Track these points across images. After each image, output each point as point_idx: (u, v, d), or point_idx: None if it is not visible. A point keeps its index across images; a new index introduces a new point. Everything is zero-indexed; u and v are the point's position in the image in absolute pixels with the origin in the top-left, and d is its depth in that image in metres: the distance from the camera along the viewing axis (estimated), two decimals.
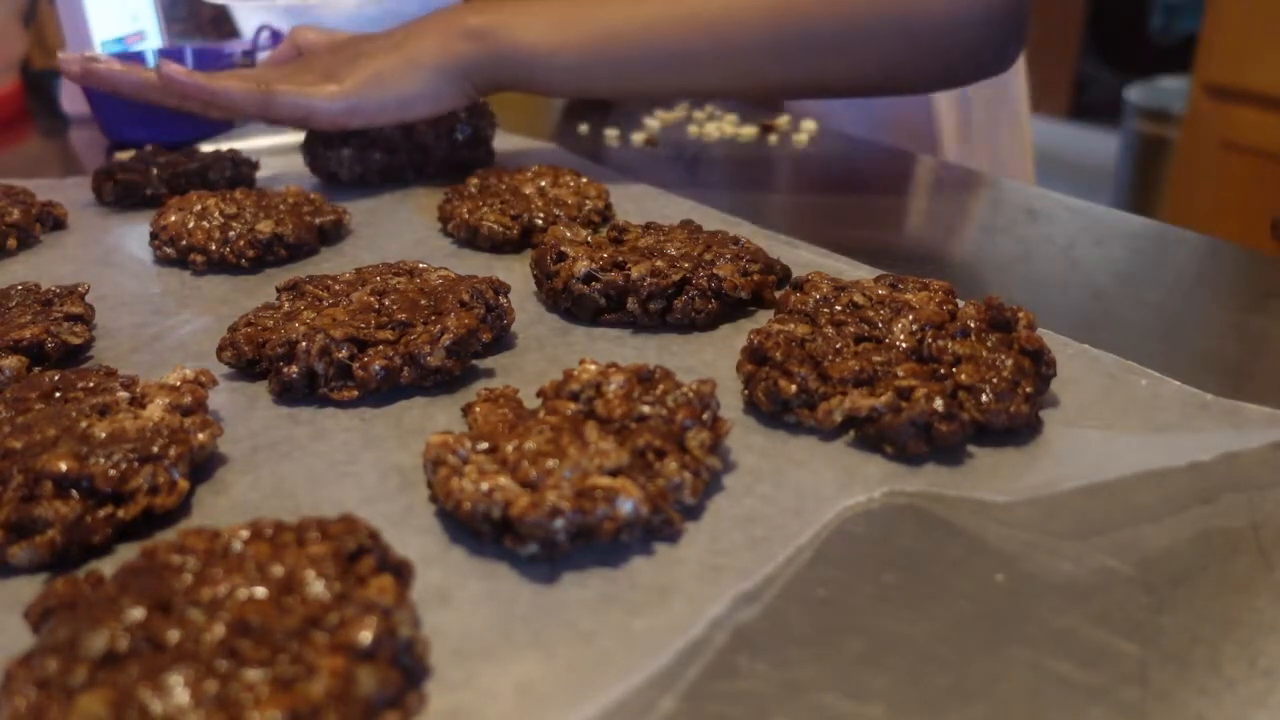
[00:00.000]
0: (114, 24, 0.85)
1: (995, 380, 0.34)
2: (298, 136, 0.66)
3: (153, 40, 0.91)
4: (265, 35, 0.90)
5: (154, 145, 0.65)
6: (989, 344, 0.36)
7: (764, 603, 0.27)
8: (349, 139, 0.63)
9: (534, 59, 0.60)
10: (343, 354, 0.37)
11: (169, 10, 0.92)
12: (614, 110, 0.85)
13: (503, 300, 0.42)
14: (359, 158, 0.63)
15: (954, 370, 0.35)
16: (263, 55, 0.89)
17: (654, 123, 0.79)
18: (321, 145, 0.64)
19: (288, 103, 0.58)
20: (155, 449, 0.31)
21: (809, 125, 0.77)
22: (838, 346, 0.37)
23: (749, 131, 0.77)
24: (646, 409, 0.33)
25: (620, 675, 0.25)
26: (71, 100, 0.82)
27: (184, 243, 0.51)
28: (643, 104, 0.85)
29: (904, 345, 0.37)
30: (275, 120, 0.60)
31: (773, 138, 0.76)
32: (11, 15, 0.87)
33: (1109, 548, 0.29)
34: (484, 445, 0.31)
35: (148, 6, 0.90)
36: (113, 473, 0.30)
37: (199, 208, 0.53)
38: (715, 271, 0.44)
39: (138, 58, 0.78)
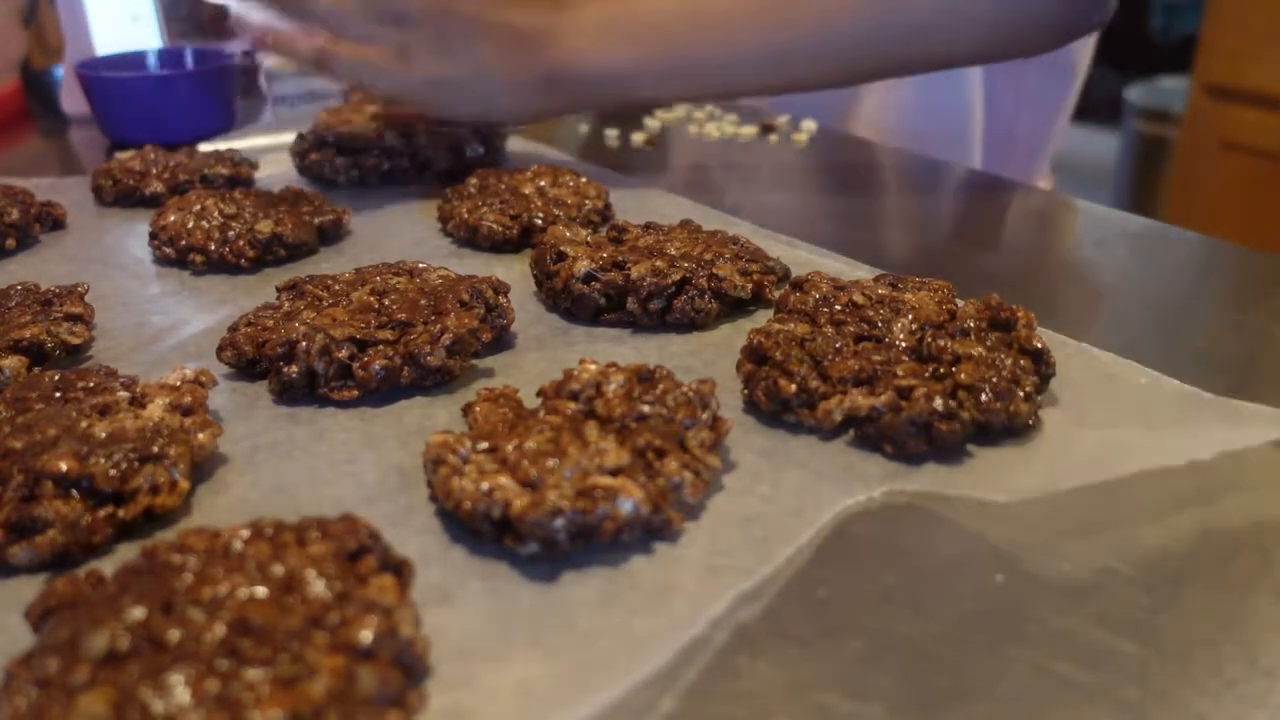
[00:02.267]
0: (114, 24, 0.85)
1: (995, 380, 0.34)
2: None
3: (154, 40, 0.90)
4: None
5: (154, 145, 0.65)
6: (989, 343, 0.36)
7: (764, 603, 0.27)
8: (342, 147, 0.63)
9: (615, 83, 0.59)
10: (343, 354, 0.37)
11: (169, 10, 0.91)
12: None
13: (503, 300, 0.42)
14: (353, 163, 0.63)
15: (954, 370, 0.35)
16: (263, 55, 0.89)
17: (654, 123, 0.79)
18: (313, 151, 0.64)
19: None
20: (155, 449, 0.31)
21: (809, 125, 0.77)
22: (838, 346, 0.37)
23: (749, 131, 0.77)
24: (646, 409, 0.33)
25: (620, 675, 0.25)
26: (71, 100, 0.82)
27: (183, 243, 0.51)
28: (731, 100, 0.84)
29: (904, 345, 0.37)
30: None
31: (773, 138, 0.76)
32: (11, 15, 0.87)
33: (1109, 548, 0.29)
34: (484, 445, 0.31)
35: (148, 6, 0.90)
36: (113, 473, 0.30)
37: (198, 208, 0.53)
38: (715, 271, 0.44)
39: (138, 57, 0.78)
